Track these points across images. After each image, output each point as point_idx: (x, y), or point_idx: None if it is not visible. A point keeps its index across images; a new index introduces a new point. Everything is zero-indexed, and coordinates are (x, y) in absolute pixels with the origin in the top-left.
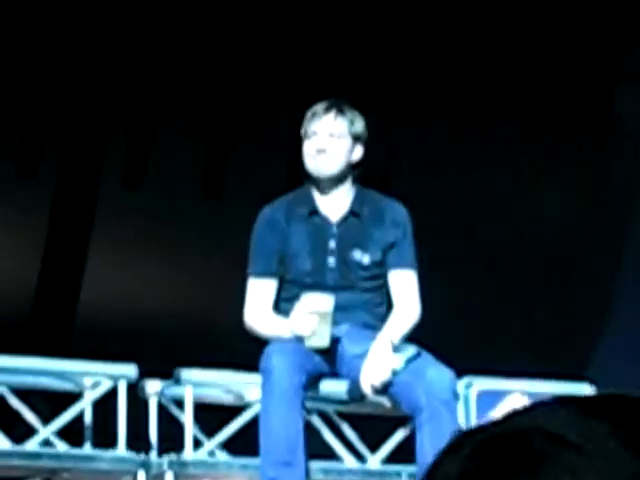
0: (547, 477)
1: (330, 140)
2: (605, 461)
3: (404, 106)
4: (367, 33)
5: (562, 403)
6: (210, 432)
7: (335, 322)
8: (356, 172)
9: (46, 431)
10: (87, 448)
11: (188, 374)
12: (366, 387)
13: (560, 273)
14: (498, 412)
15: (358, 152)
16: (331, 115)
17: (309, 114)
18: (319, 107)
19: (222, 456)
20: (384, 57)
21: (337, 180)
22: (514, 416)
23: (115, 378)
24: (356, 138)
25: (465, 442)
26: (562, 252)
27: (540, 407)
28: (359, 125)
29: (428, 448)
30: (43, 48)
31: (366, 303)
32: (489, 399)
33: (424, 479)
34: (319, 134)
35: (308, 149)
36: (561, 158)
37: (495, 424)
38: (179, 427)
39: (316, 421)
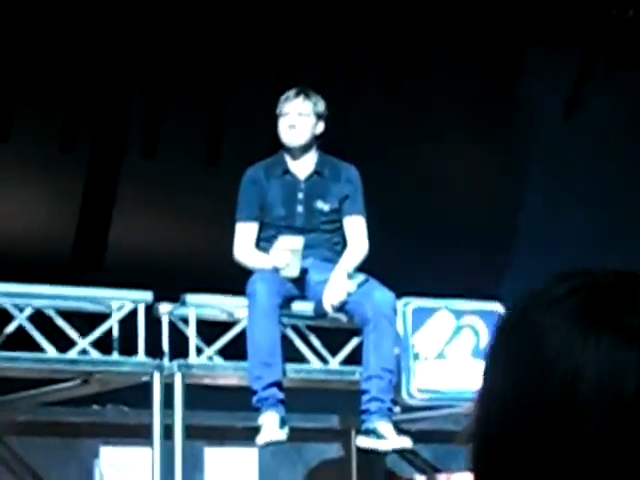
0: None
1: (299, 118)
2: None
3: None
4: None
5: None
6: (209, 342)
7: (303, 257)
8: (319, 142)
9: (83, 343)
10: (115, 355)
11: (192, 298)
12: (327, 306)
13: (474, 216)
14: (429, 325)
15: (320, 127)
16: (299, 99)
17: (282, 98)
18: (290, 92)
19: (219, 360)
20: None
21: (304, 149)
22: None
23: (136, 302)
24: (319, 116)
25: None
26: (477, 193)
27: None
28: (321, 106)
29: (372, 351)
30: (82, 41)
31: (327, 242)
32: (422, 314)
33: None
34: (290, 114)
35: (282, 125)
36: (475, 127)
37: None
38: (185, 339)
39: (290, 333)
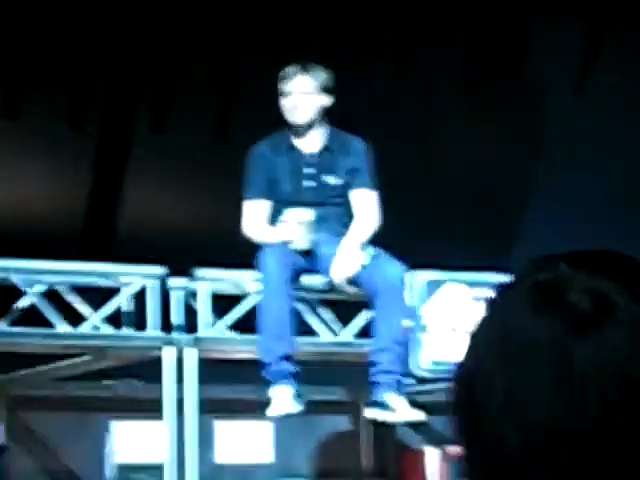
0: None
1: (301, 97)
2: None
3: (364, 61)
4: None
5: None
6: (220, 315)
7: (314, 231)
8: (325, 115)
9: (95, 318)
10: (126, 330)
11: (202, 272)
12: (335, 277)
13: (484, 188)
14: (437, 297)
15: (325, 99)
16: (299, 76)
17: (281, 76)
18: (290, 70)
19: (229, 334)
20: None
21: (310, 125)
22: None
23: (147, 277)
24: (323, 89)
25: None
26: (485, 171)
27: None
28: (323, 78)
29: (382, 323)
30: (93, 27)
31: (337, 216)
32: (431, 287)
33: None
34: (292, 93)
35: (284, 105)
36: (490, 109)
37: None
38: (196, 313)
39: (300, 306)
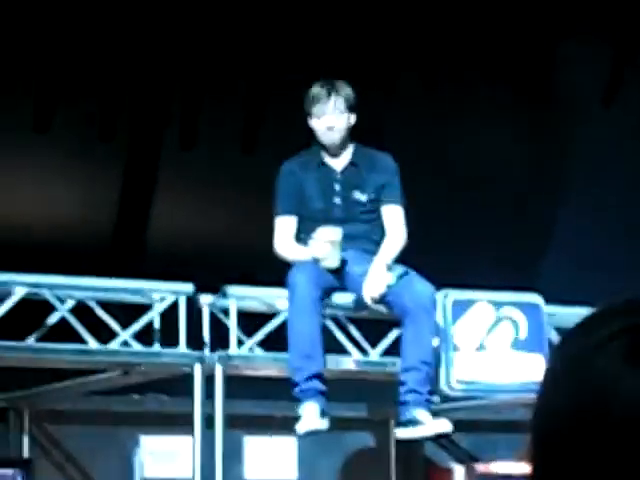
0: None
1: (335, 118)
2: None
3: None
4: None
5: None
6: (249, 334)
7: (342, 248)
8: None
9: (125, 334)
10: (156, 347)
11: (232, 289)
12: (367, 298)
13: (512, 207)
14: (469, 316)
15: (353, 118)
16: (332, 97)
17: (311, 97)
18: (321, 92)
19: (259, 352)
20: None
21: (343, 144)
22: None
23: (177, 293)
24: (351, 109)
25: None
26: (513, 188)
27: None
28: (352, 98)
29: (410, 343)
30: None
31: (366, 233)
32: (461, 306)
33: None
34: (327, 114)
35: (319, 127)
36: (514, 113)
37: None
38: (226, 330)
39: (330, 324)
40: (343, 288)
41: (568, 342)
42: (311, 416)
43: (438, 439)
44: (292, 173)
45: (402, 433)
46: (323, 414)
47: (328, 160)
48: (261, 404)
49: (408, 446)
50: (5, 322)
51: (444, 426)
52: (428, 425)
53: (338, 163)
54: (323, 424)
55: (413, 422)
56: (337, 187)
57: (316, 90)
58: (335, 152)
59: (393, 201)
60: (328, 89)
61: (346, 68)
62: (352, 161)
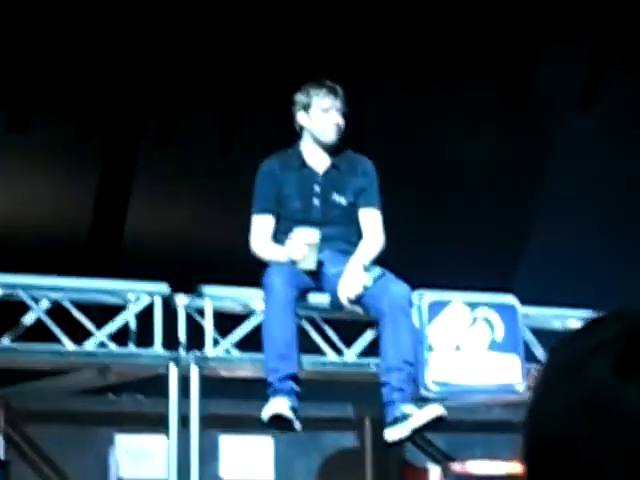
0: None
1: (339, 115)
2: None
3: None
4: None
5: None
6: (225, 334)
7: (320, 249)
8: None
9: (100, 335)
10: (131, 347)
11: (208, 289)
12: (343, 298)
13: (489, 208)
14: (444, 317)
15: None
16: (335, 95)
17: (315, 92)
18: (325, 87)
19: (235, 352)
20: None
21: (333, 145)
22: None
23: (152, 294)
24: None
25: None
26: (491, 188)
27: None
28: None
29: (390, 343)
30: (103, 46)
31: (343, 235)
32: (436, 307)
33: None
34: (332, 110)
35: (326, 123)
36: (496, 113)
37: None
38: (201, 331)
39: (306, 325)
40: (319, 288)
41: (562, 348)
42: (278, 405)
43: (434, 425)
44: (272, 172)
45: (392, 434)
46: (293, 410)
47: (310, 161)
48: (237, 404)
49: (384, 446)
50: None
51: (436, 410)
52: (417, 416)
53: (320, 165)
54: (290, 414)
55: (402, 417)
56: (317, 189)
57: (323, 85)
58: (326, 149)
59: (371, 204)
60: (332, 85)
61: (326, 67)
62: (334, 164)
